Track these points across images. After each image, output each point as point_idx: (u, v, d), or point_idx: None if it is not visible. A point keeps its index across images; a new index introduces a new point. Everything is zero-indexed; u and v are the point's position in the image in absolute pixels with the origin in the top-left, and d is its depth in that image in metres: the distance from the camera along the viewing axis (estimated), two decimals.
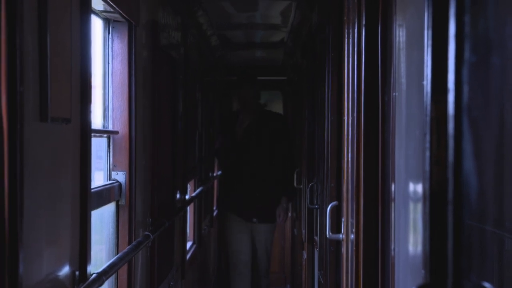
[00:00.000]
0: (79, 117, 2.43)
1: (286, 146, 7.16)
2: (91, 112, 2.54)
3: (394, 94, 2.22)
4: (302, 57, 7.31)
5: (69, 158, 2.36)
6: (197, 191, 6.70)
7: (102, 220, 3.40)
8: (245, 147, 7.02)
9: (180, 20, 5.26)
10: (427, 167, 1.55)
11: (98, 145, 3.37)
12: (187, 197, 5.96)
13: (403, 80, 2.09)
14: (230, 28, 6.96)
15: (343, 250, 3.36)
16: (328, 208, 3.69)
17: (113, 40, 3.42)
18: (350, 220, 3.07)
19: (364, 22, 2.66)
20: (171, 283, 4.95)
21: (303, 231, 6.92)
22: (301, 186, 7.25)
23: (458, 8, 1.42)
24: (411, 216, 1.92)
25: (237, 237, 7.26)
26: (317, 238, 5.55)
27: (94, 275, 2.53)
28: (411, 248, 1.93)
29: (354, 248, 2.84)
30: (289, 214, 8.36)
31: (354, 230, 2.86)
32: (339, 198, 3.98)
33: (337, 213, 3.92)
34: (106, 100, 3.41)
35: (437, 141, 1.53)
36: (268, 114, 7.29)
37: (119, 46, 3.43)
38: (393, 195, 2.24)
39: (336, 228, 3.77)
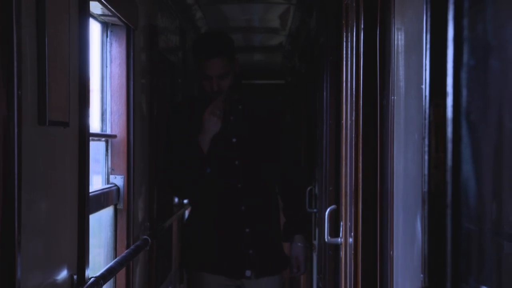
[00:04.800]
0: (77, 120, 2.42)
1: (289, 150, 4.07)
2: (89, 115, 2.54)
3: (392, 97, 2.22)
4: (301, 61, 7.31)
5: (67, 161, 2.35)
6: None
7: (100, 224, 3.39)
8: (224, 154, 3.87)
9: (178, 23, 5.27)
10: (426, 171, 1.55)
11: (96, 149, 3.36)
12: (185, 201, 5.95)
13: (402, 83, 2.09)
14: (228, 32, 6.96)
15: (342, 254, 3.35)
16: (327, 212, 3.68)
17: (111, 44, 3.42)
18: (348, 224, 3.07)
19: (362, 26, 2.66)
20: (170, 287, 4.94)
21: None
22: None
23: (456, 11, 1.42)
24: (410, 219, 1.92)
25: None
26: (315, 242, 5.55)
27: (92, 279, 2.52)
28: (409, 252, 1.93)
29: (352, 252, 2.84)
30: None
31: (352, 234, 2.86)
32: (337, 202, 3.97)
33: (335, 217, 3.92)
34: (104, 104, 3.41)
35: (435, 145, 1.53)
36: (257, 100, 4.10)
37: (117, 50, 3.43)
38: (391, 199, 2.24)
39: (334, 232, 3.77)
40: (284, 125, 4.07)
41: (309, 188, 4.79)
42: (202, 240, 3.86)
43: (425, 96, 1.56)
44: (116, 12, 3.10)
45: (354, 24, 2.84)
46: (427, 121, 1.54)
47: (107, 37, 3.41)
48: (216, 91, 3.75)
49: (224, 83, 3.79)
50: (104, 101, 3.41)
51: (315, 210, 5.14)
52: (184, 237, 4.05)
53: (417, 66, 1.75)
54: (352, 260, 2.84)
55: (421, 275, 1.62)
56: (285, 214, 4.02)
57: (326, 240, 3.60)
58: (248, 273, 3.86)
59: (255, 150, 3.94)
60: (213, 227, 3.84)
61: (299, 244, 3.97)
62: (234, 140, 3.87)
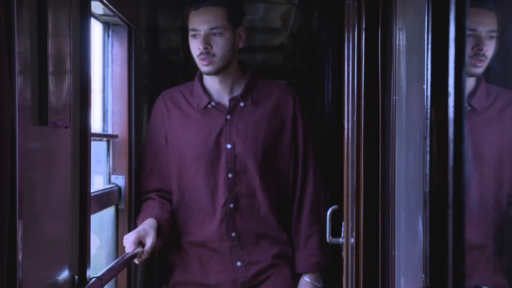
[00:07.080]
0: (78, 121, 2.42)
1: (304, 158, 3.27)
2: (90, 116, 2.54)
3: (394, 97, 2.22)
4: (302, 61, 7.31)
5: (68, 162, 2.35)
6: None
7: (102, 224, 3.39)
8: (212, 165, 3.15)
9: (179, 24, 5.26)
10: (428, 171, 1.55)
11: (98, 149, 3.36)
12: None
13: (403, 83, 2.09)
14: None
15: (343, 254, 3.35)
16: (328, 212, 3.68)
17: (112, 44, 3.42)
18: (350, 224, 3.07)
19: (364, 26, 2.66)
20: None
21: None
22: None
23: (458, 11, 1.42)
24: (411, 220, 1.92)
25: None
26: None
27: (93, 279, 2.52)
28: (411, 252, 1.93)
29: (354, 252, 2.84)
30: None
31: (354, 234, 2.86)
32: (339, 202, 3.97)
33: (337, 217, 3.92)
34: (105, 104, 3.41)
35: (437, 145, 1.53)
36: (267, 86, 3.27)
37: (119, 50, 3.42)
38: (393, 199, 2.23)
39: (336, 232, 3.76)
40: (301, 124, 3.23)
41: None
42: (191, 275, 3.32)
43: (427, 96, 1.56)
44: (117, 12, 3.10)
45: (356, 24, 2.84)
46: (428, 121, 1.54)
47: (108, 37, 3.41)
48: (205, 52, 2.92)
49: (218, 44, 2.92)
50: (106, 101, 3.41)
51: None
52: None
53: (418, 66, 1.75)
54: (354, 260, 2.84)
55: (423, 275, 1.62)
56: (294, 244, 3.31)
57: (327, 240, 3.59)
58: None
59: (256, 159, 3.11)
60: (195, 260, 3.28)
61: (306, 279, 3.29)
62: (228, 146, 3.11)
